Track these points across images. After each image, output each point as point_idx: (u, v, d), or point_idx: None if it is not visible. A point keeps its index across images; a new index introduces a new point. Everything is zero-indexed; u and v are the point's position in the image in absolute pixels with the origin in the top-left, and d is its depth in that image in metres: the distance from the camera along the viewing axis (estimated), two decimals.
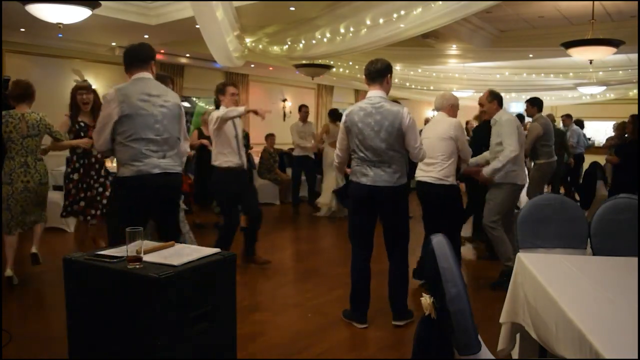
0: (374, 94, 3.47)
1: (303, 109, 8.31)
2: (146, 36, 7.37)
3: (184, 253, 2.28)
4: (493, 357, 1.79)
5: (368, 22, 5.93)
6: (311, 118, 10.66)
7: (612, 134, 8.74)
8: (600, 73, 9.76)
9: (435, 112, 4.49)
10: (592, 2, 6.34)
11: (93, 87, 5.13)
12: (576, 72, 9.76)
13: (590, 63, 6.90)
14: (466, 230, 5.90)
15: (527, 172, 5.22)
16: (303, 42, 6.90)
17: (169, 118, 3.14)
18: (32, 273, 4.63)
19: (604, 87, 10.83)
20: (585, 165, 8.73)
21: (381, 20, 5.78)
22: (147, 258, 2.14)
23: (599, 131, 13.31)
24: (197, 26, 6.17)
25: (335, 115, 8.63)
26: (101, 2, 5.26)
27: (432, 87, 11.36)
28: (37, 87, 4.70)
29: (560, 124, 9.76)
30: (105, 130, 3.05)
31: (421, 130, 3.99)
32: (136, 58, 3.14)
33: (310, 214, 8.21)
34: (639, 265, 2.29)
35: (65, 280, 2.24)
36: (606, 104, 12.75)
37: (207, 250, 2.34)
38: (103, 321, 2.12)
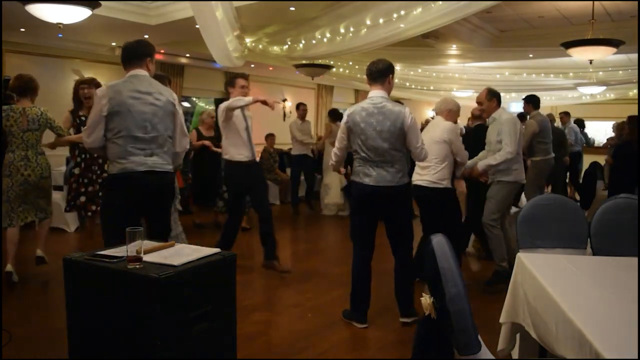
0: (376, 94, 3.48)
1: (301, 107, 8.31)
2: (146, 36, 7.36)
3: (184, 253, 2.28)
4: (493, 357, 1.79)
5: (368, 22, 5.93)
6: (311, 118, 10.69)
7: (612, 133, 8.74)
8: (600, 73, 9.75)
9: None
10: (592, 2, 6.33)
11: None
12: (576, 72, 9.76)
13: (590, 63, 6.90)
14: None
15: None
16: (303, 42, 6.90)
17: (160, 116, 3.08)
18: (32, 273, 4.63)
19: (604, 87, 10.83)
20: (585, 165, 8.74)
21: (381, 20, 5.77)
22: (147, 258, 2.14)
23: (599, 131, 13.31)
24: (197, 26, 6.17)
25: (335, 115, 8.66)
26: (101, 2, 5.26)
27: (432, 87, 11.37)
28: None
29: (558, 122, 9.75)
30: (97, 127, 3.03)
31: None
32: (132, 55, 3.13)
33: (309, 214, 8.21)
34: (639, 265, 2.29)
35: (65, 280, 2.24)
36: (606, 104, 12.75)
37: (207, 250, 2.34)
38: (103, 321, 2.12)
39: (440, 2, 5.15)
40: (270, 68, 10.61)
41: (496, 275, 4.30)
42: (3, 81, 5.83)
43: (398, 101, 3.96)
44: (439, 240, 1.76)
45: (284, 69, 10.02)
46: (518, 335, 2.58)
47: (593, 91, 11.15)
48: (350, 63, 9.71)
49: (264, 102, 4.35)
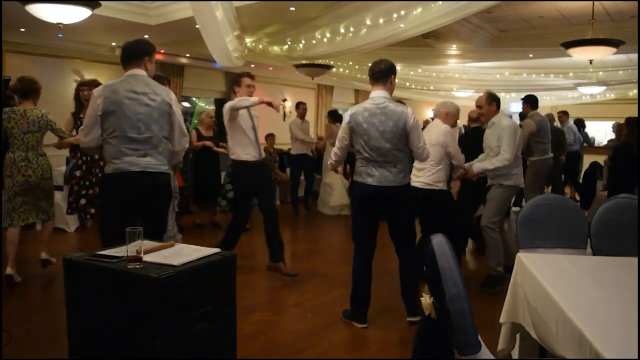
0: (378, 94, 3.49)
1: (301, 106, 8.30)
2: (146, 36, 7.36)
3: (184, 253, 2.28)
4: (493, 357, 1.79)
5: (368, 22, 5.93)
6: (311, 118, 10.68)
7: (612, 133, 8.74)
8: (600, 73, 9.75)
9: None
10: (592, 2, 6.33)
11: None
12: (576, 72, 9.76)
13: (590, 63, 6.90)
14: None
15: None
16: (303, 42, 6.89)
17: (155, 117, 3.05)
18: (32, 273, 4.63)
19: (604, 87, 10.83)
20: (585, 165, 8.73)
21: (381, 20, 5.77)
22: (147, 258, 2.14)
23: (599, 131, 13.31)
24: (197, 26, 6.17)
25: (334, 116, 8.70)
26: (101, 2, 5.26)
27: (432, 87, 11.36)
28: None
29: (557, 122, 9.75)
30: (93, 127, 3.03)
31: None
32: (130, 55, 3.12)
33: (308, 214, 8.21)
34: (639, 265, 2.29)
35: (65, 280, 2.24)
36: (606, 104, 12.74)
37: (207, 250, 2.34)
38: (103, 321, 2.12)
39: (440, 2, 5.15)
40: (270, 68, 10.61)
41: (490, 279, 4.28)
42: (3, 81, 5.83)
43: (400, 101, 3.96)
44: (439, 240, 1.76)
45: (284, 69, 10.02)
46: (518, 335, 2.58)
47: (593, 91, 11.15)
48: (350, 63, 9.70)
49: (269, 104, 4.31)
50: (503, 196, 4.33)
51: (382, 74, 3.48)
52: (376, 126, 3.41)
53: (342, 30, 6.28)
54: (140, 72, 3.10)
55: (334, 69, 9.41)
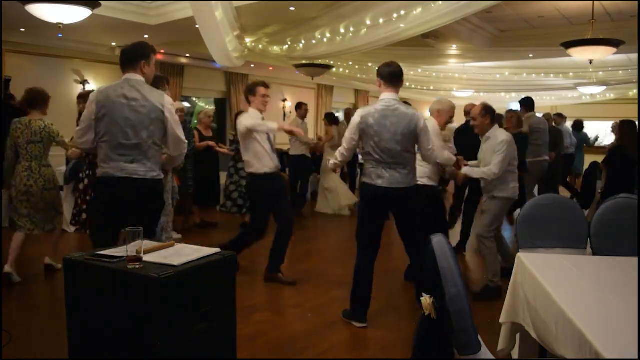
0: (390, 96, 3.51)
1: (303, 107, 8.30)
2: (146, 36, 7.37)
3: (184, 253, 2.28)
4: (493, 357, 1.79)
5: (368, 22, 5.93)
6: (311, 118, 10.69)
7: (612, 134, 8.74)
8: (600, 73, 9.76)
9: None
10: (592, 2, 6.33)
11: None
12: (576, 72, 9.76)
13: (590, 63, 6.91)
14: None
15: None
16: (303, 42, 6.90)
17: (145, 124, 3.02)
18: (32, 273, 4.63)
19: (604, 87, 10.83)
20: (586, 165, 8.72)
21: (381, 20, 5.77)
22: (147, 258, 2.14)
23: (599, 131, 13.33)
24: (197, 26, 6.17)
25: (332, 118, 8.73)
26: (101, 2, 5.26)
27: (432, 87, 11.37)
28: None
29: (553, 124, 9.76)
30: (88, 130, 3.07)
31: None
32: (126, 59, 3.12)
33: (307, 214, 8.21)
34: (639, 265, 2.29)
35: (65, 280, 2.24)
36: (606, 104, 12.75)
37: (207, 250, 2.34)
38: (103, 321, 2.12)
39: (440, 2, 5.15)
40: (270, 68, 10.62)
41: (486, 291, 4.20)
42: (4, 81, 5.85)
43: (406, 102, 3.96)
44: (439, 240, 1.76)
45: (284, 69, 10.03)
46: (518, 335, 2.58)
47: (593, 91, 11.15)
48: (350, 63, 9.71)
49: (290, 132, 4.27)
50: (498, 208, 4.26)
51: (398, 77, 3.53)
52: (388, 128, 3.44)
53: (342, 30, 6.28)
54: (136, 76, 3.09)
55: (334, 69, 9.41)
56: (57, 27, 5.32)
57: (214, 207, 7.53)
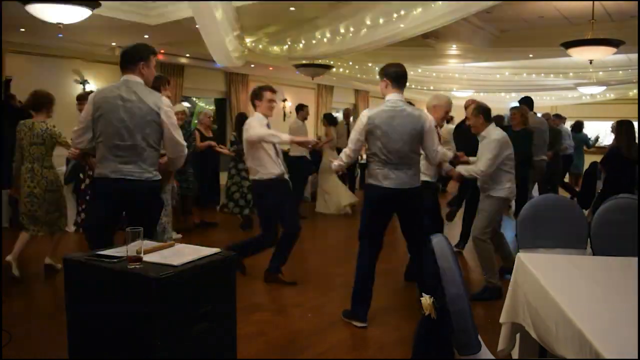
0: (396, 97, 3.52)
1: (305, 109, 8.31)
2: (146, 36, 7.37)
3: (184, 253, 2.28)
4: (493, 357, 1.79)
5: (368, 22, 5.93)
6: (311, 118, 10.68)
7: (612, 134, 8.73)
8: (600, 73, 9.76)
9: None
10: (592, 2, 6.33)
11: (93, 87, 5.19)
12: (576, 72, 9.76)
13: (590, 63, 6.91)
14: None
15: None
16: (303, 42, 6.90)
17: (140, 125, 3.01)
18: (32, 273, 4.64)
19: (604, 87, 10.84)
20: (586, 165, 8.73)
21: (381, 20, 5.77)
22: (147, 258, 2.14)
23: (599, 131, 13.30)
24: (197, 26, 6.17)
25: (330, 119, 8.77)
26: (101, 2, 5.26)
27: (432, 87, 11.36)
28: (37, 87, 4.75)
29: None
30: (85, 131, 3.11)
31: None
32: (124, 60, 3.12)
33: (307, 214, 8.22)
34: (639, 265, 2.29)
35: (65, 280, 2.24)
36: (606, 104, 12.75)
37: (207, 250, 2.34)
38: (103, 321, 2.12)
39: (440, 2, 5.15)
40: (270, 68, 10.61)
41: (485, 291, 4.18)
42: (5, 81, 5.86)
43: (410, 103, 3.96)
44: (439, 240, 1.76)
45: (284, 69, 10.03)
46: (518, 335, 2.58)
47: (593, 91, 11.15)
48: (350, 63, 9.71)
49: (301, 144, 4.25)
50: (493, 207, 4.21)
51: (404, 78, 3.55)
52: (395, 129, 3.45)
53: (342, 30, 6.28)
54: (133, 78, 3.09)
55: (334, 69, 9.41)
56: (57, 27, 5.32)
57: (214, 207, 7.53)
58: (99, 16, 5.89)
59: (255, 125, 4.25)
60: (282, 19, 6.92)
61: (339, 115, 9.65)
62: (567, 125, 10.31)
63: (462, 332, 1.63)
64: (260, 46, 7.44)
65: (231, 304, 2.35)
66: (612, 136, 7.88)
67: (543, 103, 12.17)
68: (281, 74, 11.32)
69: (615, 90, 11.86)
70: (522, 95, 7.16)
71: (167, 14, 6.73)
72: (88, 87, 8.65)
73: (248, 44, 7.16)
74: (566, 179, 10.19)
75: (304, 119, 8.22)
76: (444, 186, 11.54)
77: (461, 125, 5.94)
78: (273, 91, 4.39)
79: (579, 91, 11.26)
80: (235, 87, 11.30)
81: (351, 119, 10.24)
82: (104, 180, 3.06)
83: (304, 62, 8.34)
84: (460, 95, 11.61)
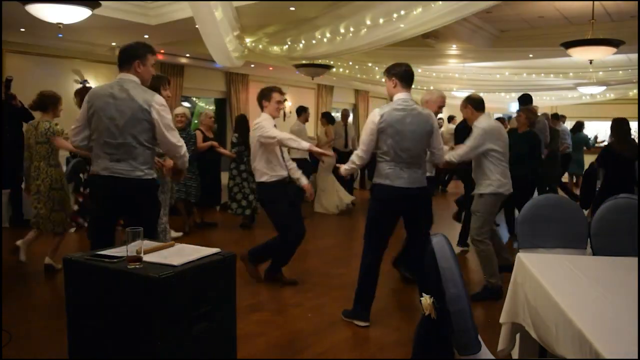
0: (406, 96, 3.54)
1: (306, 112, 8.31)
2: (146, 36, 7.37)
3: (184, 253, 2.28)
4: (493, 357, 1.79)
5: (368, 22, 5.92)
6: (311, 118, 10.67)
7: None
8: (600, 73, 9.76)
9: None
10: (592, 2, 6.33)
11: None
12: (576, 72, 9.76)
13: (590, 63, 6.91)
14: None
15: None
16: (303, 42, 6.89)
17: (130, 123, 3.00)
18: (32, 272, 4.64)
19: (604, 87, 10.84)
20: (586, 166, 8.73)
21: (381, 20, 5.77)
22: (147, 258, 2.14)
23: (599, 131, 13.32)
24: (197, 26, 6.17)
25: (329, 117, 8.81)
26: (101, 2, 5.26)
27: (432, 87, 11.35)
28: (37, 87, 4.78)
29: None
30: (83, 129, 3.14)
31: None
32: (120, 58, 3.13)
33: (307, 214, 8.22)
34: (639, 265, 2.29)
35: (65, 280, 2.24)
36: (606, 104, 12.75)
37: (207, 250, 2.34)
38: (103, 321, 2.12)
39: (440, 2, 5.15)
40: (270, 68, 10.61)
41: (485, 291, 4.15)
42: (5, 81, 5.87)
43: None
44: (439, 241, 1.76)
45: (284, 69, 10.02)
46: (518, 335, 2.58)
47: (593, 91, 11.15)
48: (350, 63, 9.70)
49: (319, 155, 4.19)
50: (485, 207, 4.14)
51: (412, 77, 3.57)
52: (408, 128, 3.46)
53: (342, 30, 6.28)
54: (128, 76, 3.09)
55: (334, 69, 9.41)
56: (57, 27, 5.32)
57: (214, 207, 7.53)
58: (99, 16, 5.89)
59: (270, 127, 4.20)
60: (282, 19, 6.92)
61: (338, 116, 9.66)
62: (568, 125, 10.33)
63: (462, 332, 1.63)
64: (260, 46, 7.44)
65: (231, 304, 2.35)
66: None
67: (543, 103, 12.16)
68: (281, 74, 11.31)
69: (615, 90, 11.86)
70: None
71: (167, 14, 6.74)
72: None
73: (248, 44, 7.16)
74: (565, 179, 10.21)
75: (306, 121, 8.23)
76: (444, 187, 11.56)
77: (462, 125, 5.93)
78: (282, 93, 4.36)
79: (579, 91, 11.27)
80: (235, 87, 11.29)
81: (349, 119, 10.24)
82: (96, 178, 3.11)
83: (304, 62, 8.34)
84: (460, 95, 11.58)
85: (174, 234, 5.53)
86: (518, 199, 4.93)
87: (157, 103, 3.05)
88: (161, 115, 3.05)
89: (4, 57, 7.75)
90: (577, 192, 9.89)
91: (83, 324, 2.19)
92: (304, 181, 4.46)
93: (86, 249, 2.52)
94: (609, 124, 5.81)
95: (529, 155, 5.48)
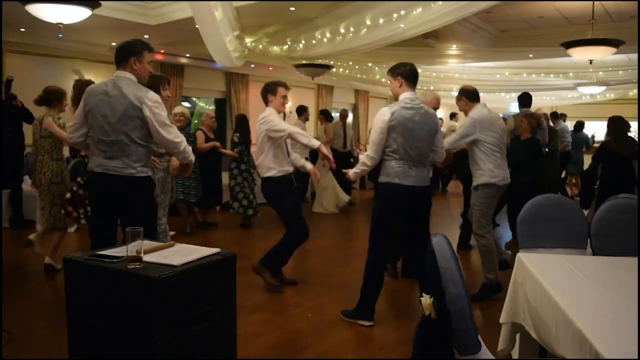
0: (412, 95, 3.56)
1: (306, 112, 8.32)
2: (146, 36, 7.36)
3: (184, 253, 2.28)
4: (493, 357, 1.79)
5: (368, 22, 5.93)
6: (311, 118, 10.68)
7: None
8: (600, 73, 9.76)
9: None
10: (592, 2, 6.34)
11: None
12: (576, 72, 9.76)
13: (590, 63, 6.91)
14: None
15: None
16: (303, 42, 6.90)
17: (122, 120, 2.99)
18: (32, 272, 4.64)
19: (604, 87, 10.84)
20: (585, 165, 8.74)
21: (381, 20, 5.77)
22: (147, 258, 2.14)
23: (599, 131, 13.29)
24: (197, 26, 6.17)
25: (327, 115, 8.82)
26: (101, 2, 5.27)
27: (432, 87, 11.36)
28: (37, 87, 4.79)
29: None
30: (79, 125, 3.17)
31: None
32: (115, 56, 3.13)
33: (306, 215, 8.22)
34: (639, 265, 2.29)
35: (65, 280, 2.24)
36: (606, 104, 12.75)
37: (207, 250, 2.34)
38: (103, 321, 2.12)
39: (440, 2, 5.15)
40: (270, 68, 10.61)
41: (484, 290, 4.12)
42: (6, 81, 5.87)
43: None
44: (439, 241, 1.76)
45: (284, 69, 10.02)
46: (518, 335, 2.58)
47: (593, 91, 11.15)
48: (350, 63, 9.70)
49: (325, 158, 4.14)
50: (481, 200, 4.10)
51: (417, 76, 3.59)
52: (418, 126, 3.48)
53: (342, 30, 6.28)
54: (124, 73, 3.08)
55: (334, 69, 9.41)
56: (57, 27, 5.32)
57: (214, 207, 7.52)
58: (99, 16, 5.89)
59: (279, 120, 4.16)
60: (282, 19, 6.92)
61: (337, 116, 9.67)
62: (568, 124, 10.32)
63: (462, 332, 1.63)
64: (260, 46, 7.44)
65: (231, 304, 2.35)
66: None
67: (543, 103, 12.17)
68: (281, 74, 11.29)
69: (615, 90, 11.86)
70: None
71: (167, 14, 6.74)
72: None
73: (248, 44, 7.16)
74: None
75: (306, 120, 8.23)
76: (445, 186, 11.56)
77: None
78: (287, 87, 4.32)
79: (579, 91, 11.27)
80: (235, 87, 11.29)
81: (348, 120, 10.24)
82: (91, 175, 3.15)
83: (304, 62, 8.34)
84: None
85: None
86: (520, 205, 4.93)
87: (150, 100, 3.01)
88: (154, 112, 3.01)
89: (4, 57, 7.75)
90: (577, 191, 9.92)
91: (83, 324, 2.20)
92: (309, 166, 4.54)
93: (87, 249, 2.52)
94: None
95: (530, 161, 5.50)
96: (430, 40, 8.06)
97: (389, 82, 3.68)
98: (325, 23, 6.44)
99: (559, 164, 8.06)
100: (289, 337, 3.42)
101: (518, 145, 5.59)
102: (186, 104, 11.12)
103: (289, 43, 7.13)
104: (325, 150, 4.16)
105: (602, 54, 6.43)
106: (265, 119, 4.16)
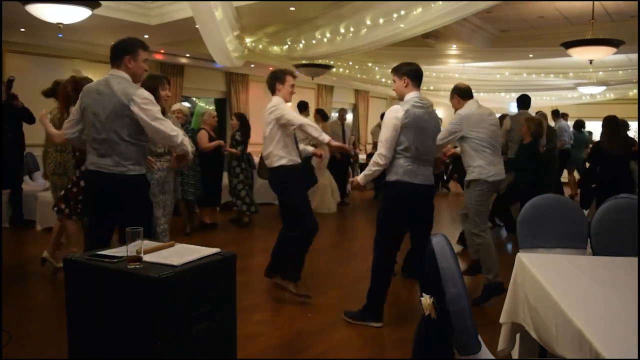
0: (419, 94, 3.58)
1: (308, 108, 8.31)
2: (146, 36, 7.36)
3: (184, 253, 2.28)
4: (493, 357, 1.79)
5: (368, 22, 5.93)
6: (311, 118, 10.68)
7: None
8: (600, 73, 9.77)
9: None
10: (592, 2, 6.34)
11: None
12: (576, 72, 9.77)
13: (590, 63, 6.91)
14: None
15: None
16: (303, 42, 6.90)
17: (111, 118, 2.98)
18: (32, 272, 4.64)
19: (604, 87, 10.85)
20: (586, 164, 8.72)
21: (381, 20, 5.78)
22: (147, 258, 2.14)
23: (599, 131, 13.27)
24: (197, 26, 6.17)
25: (323, 114, 8.84)
26: (101, 2, 5.27)
27: (432, 87, 11.37)
28: (37, 87, 4.79)
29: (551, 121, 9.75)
30: (76, 123, 3.19)
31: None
32: (110, 55, 3.15)
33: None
34: (639, 265, 2.29)
35: (65, 280, 2.24)
36: (606, 104, 12.75)
37: (207, 250, 2.34)
38: (103, 321, 2.12)
39: (440, 2, 5.15)
40: (270, 68, 10.56)
41: (486, 292, 4.06)
42: (7, 81, 5.87)
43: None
44: (439, 241, 1.76)
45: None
46: (518, 335, 2.58)
47: (593, 91, 11.16)
48: (350, 63, 9.71)
49: (338, 148, 4.11)
50: (474, 195, 4.04)
51: (422, 76, 3.61)
52: (428, 124, 3.53)
53: (342, 30, 6.28)
54: (118, 72, 3.08)
55: (334, 69, 9.41)
56: (57, 27, 5.32)
57: (214, 207, 7.52)
58: (99, 16, 5.89)
59: (289, 111, 4.05)
60: (282, 19, 6.93)
61: (336, 116, 9.68)
62: (569, 124, 10.31)
63: (462, 332, 1.62)
64: (260, 46, 7.44)
65: (231, 304, 2.35)
66: None
67: (543, 103, 12.17)
68: None
69: (615, 90, 11.87)
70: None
71: (167, 14, 6.74)
72: None
73: (248, 44, 7.16)
74: (564, 179, 10.18)
75: (307, 116, 8.23)
76: (444, 186, 11.55)
77: None
78: (294, 76, 4.21)
79: (579, 91, 11.27)
80: (235, 87, 11.29)
81: (347, 120, 10.23)
82: (87, 173, 3.21)
83: (304, 62, 8.34)
84: None
85: None
86: (520, 206, 4.93)
87: (139, 97, 2.97)
88: (143, 108, 2.97)
89: (4, 57, 7.75)
90: (577, 190, 9.90)
91: (83, 324, 2.20)
92: (310, 148, 4.56)
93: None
94: None
95: (528, 162, 5.51)
96: (430, 40, 8.07)
97: (389, 82, 3.70)
98: (326, 23, 6.45)
99: (557, 162, 8.07)
100: (289, 337, 3.42)
101: (519, 148, 5.65)
102: (186, 104, 11.11)
103: (289, 43, 7.13)
104: (336, 142, 4.10)
105: (602, 54, 6.44)
106: (275, 107, 3.99)
